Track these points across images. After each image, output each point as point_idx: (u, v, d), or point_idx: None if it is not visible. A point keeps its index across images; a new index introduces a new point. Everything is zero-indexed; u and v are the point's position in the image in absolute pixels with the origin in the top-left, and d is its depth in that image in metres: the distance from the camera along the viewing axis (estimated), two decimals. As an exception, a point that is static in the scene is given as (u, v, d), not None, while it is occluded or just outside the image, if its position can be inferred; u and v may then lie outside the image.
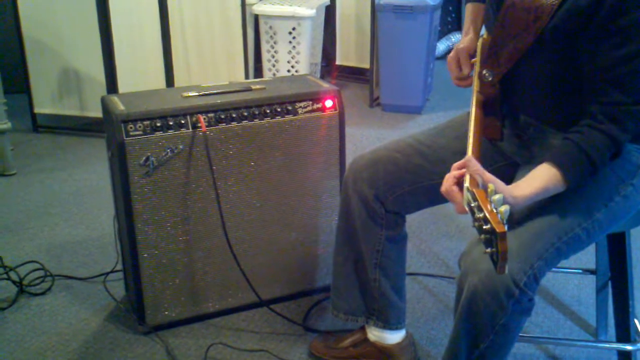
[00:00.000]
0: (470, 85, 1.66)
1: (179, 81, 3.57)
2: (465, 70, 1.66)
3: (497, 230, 1.04)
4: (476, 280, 1.30)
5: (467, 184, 1.21)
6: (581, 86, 1.40)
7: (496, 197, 1.10)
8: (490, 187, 1.13)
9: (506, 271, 1.07)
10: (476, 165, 1.25)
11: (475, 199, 1.13)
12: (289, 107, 1.98)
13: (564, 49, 1.39)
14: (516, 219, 1.37)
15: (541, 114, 1.52)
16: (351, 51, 4.56)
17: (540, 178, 1.33)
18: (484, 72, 1.52)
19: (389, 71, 3.99)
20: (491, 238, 1.06)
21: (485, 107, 1.54)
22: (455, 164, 1.31)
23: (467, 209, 1.19)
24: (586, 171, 1.34)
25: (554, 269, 2.23)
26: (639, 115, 1.35)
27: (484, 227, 1.08)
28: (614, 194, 1.42)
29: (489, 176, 1.24)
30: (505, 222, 1.06)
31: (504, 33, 1.45)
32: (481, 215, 1.09)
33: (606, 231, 1.47)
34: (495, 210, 1.08)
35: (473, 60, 1.66)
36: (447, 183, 1.29)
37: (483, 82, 1.53)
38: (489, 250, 1.08)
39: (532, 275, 1.29)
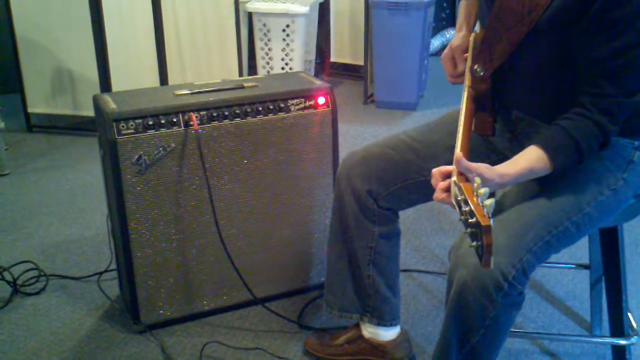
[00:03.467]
0: None
1: (172, 79, 3.56)
2: (461, 67, 1.64)
3: (482, 223, 1.04)
4: (465, 274, 1.30)
5: (454, 178, 1.21)
6: (572, 80, 1.40)
7: (482, 190, 1.10)
8: (477, 180, 1.13)
9: (491, 265, 1.06)
10: (465, 163, 1.24)
11: (461, 193, 1.13)
12: (282, 105, 1.97)
13: (557, 41, 1.39)
14: (505, 212, 1.37)
15: (532, 108, 1.51)
16: (345, 48, 4.56)
17: (526, 158, 1.33)
18: (476, 67, 1.51)
19: (383, 68, 3.99)
20: (476, 231, 1.06)
21: (477, 102, 1.54)
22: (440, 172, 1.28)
23: (454, 202, 1.19)
24: (572, 155, 1.34)
25: (547, 264, 2.24)
26: (629, 108, 1.35)
27: (470, 220, 1.08)
28: (605, 188, 1.42)
29: (472, 165, 1.23)
30: (490, 215, 1.06)
31: (498, 26, 1.44)
32: (467, 209, 1.09)
33: (596, 225, 1.47)
34: (481, 204, 1.08)
35: (466, 55, 1.65)
36: (439, 196, 1.26)
37: (475, 77, 1.52)
38: (474, 243, 1.08)
39: (521, 269, 1.30)
